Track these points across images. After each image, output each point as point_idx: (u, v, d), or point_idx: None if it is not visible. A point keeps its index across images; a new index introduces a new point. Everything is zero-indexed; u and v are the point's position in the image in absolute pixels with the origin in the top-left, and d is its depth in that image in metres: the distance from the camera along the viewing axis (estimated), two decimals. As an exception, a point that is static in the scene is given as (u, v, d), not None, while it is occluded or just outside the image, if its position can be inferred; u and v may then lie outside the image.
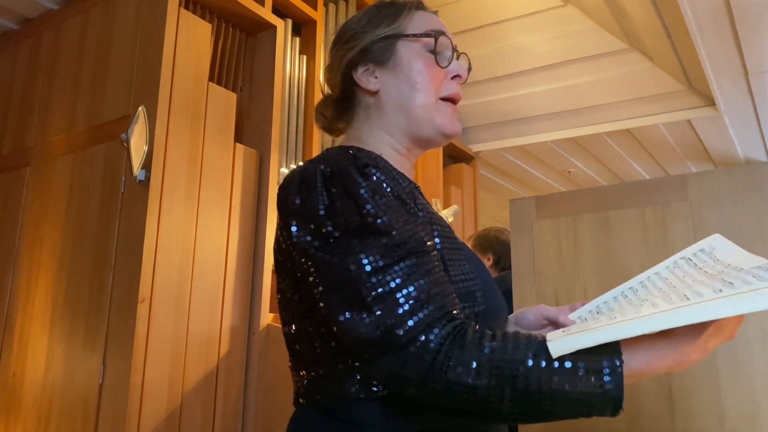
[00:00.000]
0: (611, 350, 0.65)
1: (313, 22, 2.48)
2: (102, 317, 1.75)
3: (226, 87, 2.11)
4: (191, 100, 1.90)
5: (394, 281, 0.69)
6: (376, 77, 0.91)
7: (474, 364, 0.66)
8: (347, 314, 0.70)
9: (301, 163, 0.82)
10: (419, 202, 0.83)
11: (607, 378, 0.64)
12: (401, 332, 0.67)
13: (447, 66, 0.91)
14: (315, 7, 2.48)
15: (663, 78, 2.90)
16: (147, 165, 1.74)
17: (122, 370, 1.63)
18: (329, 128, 1.01)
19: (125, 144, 1.79)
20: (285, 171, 2.23)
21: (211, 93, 1.97)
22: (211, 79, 2.03)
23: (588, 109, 3.23)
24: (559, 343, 0.65)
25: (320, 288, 0.73)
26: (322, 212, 0.73)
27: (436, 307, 0.69)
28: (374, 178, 0.77)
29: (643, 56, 2.80)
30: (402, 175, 0.87)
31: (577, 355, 0.65)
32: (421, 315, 0.68)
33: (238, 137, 2.12)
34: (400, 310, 0.68)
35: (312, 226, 0.73)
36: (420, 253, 0.73)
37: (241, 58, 2.25)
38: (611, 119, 3.23)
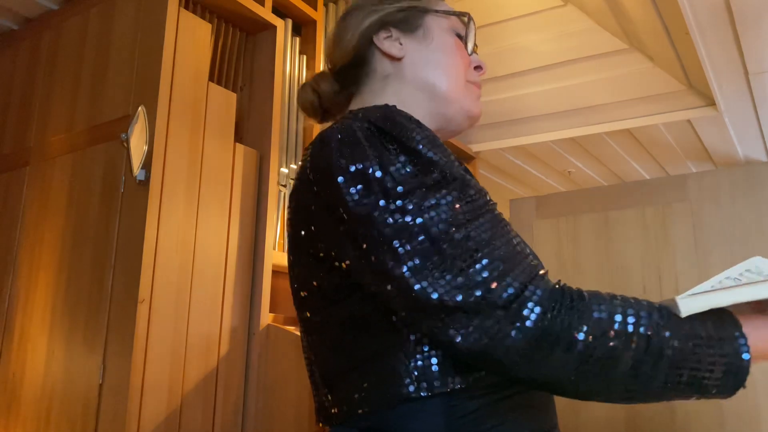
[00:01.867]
0: (732, 324, 0.62)
1: (313, 22, 2.48)
2: (102, 317, 1.75)
3: (226, 87, 2.11)
4: (191, 100, 1.90)
5: (479, 236, 0.61)
6: (401, 44, 0.83)
7: (589, 322, 0.59)
8: (430, 278, 0.60)
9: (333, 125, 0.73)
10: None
11: (731, 346, 0.61)
12: (500, 290, 0.59)
13: (470, 54, 0.86)
14: (315, 7, 2.48)
15: (663, 78, 2.89)
16: (147, 165, 1.74)
17: (122, 370, 1.63)
18: (320, 106, 0.89)
19: (125, 144, 1.79)
20: (285, 171, 2.23)
21: (211, 93, 1.97)
22: (211, 79, 2.03)
23: (588, 109, 3.23)
24: (692, 302, 0.62)
25: (387, 255, 0.62)
26: (379, 172, 0.63)
27: (529, 264, 0.62)
28: (426, 130, 0.68)
29: (643, 56, 2.80)
30: None
31: (698, 324, 0.61)
32: (518, 271, 0.60)
33: (238, 137, 2.12)
34: (493, 268, 0.60)
35: (370, 189, 0.63)
36: (493, 211, 0.65)
37: (241, 58, 2.25)
38: (611, 119, 3.23)
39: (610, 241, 4.16)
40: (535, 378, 0.60)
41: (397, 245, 0.61)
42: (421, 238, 0.60)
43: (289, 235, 0.76)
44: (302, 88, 0.91)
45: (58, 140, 2.12)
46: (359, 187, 0.64)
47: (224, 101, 2.02)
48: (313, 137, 2.64)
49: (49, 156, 2.13)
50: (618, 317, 0.59)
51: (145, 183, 1.74)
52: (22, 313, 2.02)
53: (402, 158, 0.64)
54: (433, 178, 0.63)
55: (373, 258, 0.63)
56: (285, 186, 2.22)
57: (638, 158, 3.74)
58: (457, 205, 0.62)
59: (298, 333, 1.89)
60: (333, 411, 0.71)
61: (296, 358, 1.85)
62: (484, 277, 0.59)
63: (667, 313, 0.61)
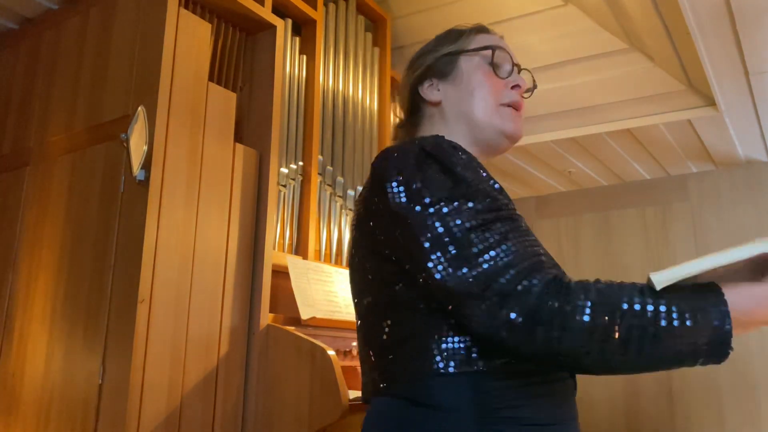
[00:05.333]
0: (714, 292, 0.67)
1: (313, 22, 2.48)
2: (102, 317, 1.75)
3: (226, 87, 2.11)
4: (191, 100, 1.90)
5: (493, 237, 0.73)
6: (439, 90, 0.99)
7: (581, 302, 0.68)
8: (450, 270, 0.73)
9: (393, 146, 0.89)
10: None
11: (714, 315, 0.65)
12: (504, 280, 0.70)
13: (506, 77, 0.99)
14: (315, 7, 2.48)
15: (663, 78, 2.89)
16: (147, 165, 1.74)
17: (122, 370, 1.63)
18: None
19: (125, 144, 1.79)
20: (285, 171, 2.23)
21: (210, 93, 1.97)
22: (210, 78, 2.03)
23: (588, 109, 3.22)
24: (662, 274, 0.66)
25: (418, 250, 0.76)
26: (419, 184, 0.79)
27: (536, 261, 0.73)
28: (464, 156, 0.83)
29: (643, 56, 2.80)
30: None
31: (683, 299, 0.67)
32: (523, 265, 0.71)
33: (238, 137, 2.12)
34: (501, 263, 0.71)
35: (411, 196, 0.79)
36: (512, 219, 0.77)
37: (241, 58, 2.25)
38: (611, 119, 3.23)
39: (610, 241, 4.16)
40: (542, 356, 0.70)
41: (425, 242, 0.76)
42: (446, 238, 0.74)
43: (353, 234, 0.91)
44: (393, 129, 1.11)
45: (58, 140, 2.12)
46: (402, 194, 0.80)
47: (224, 101, 2.02)
48: (313, 138, 2.63)
49: (49, 156, 2.13)
50: (610, 300, 0.68)
51: (145, 183, 1.74)
52: (22, 313, 2.02)
53: (440, 176, 0.79)
54: (462, 192, 0.77)
55: (410, 251, 0.78)
56: (285, 186, 2.22)
57: (638, 158, 3.73)
58: (479, 213, 0.75)
59: (298, 333, 1.90)
60: (381, 386, 0.83)
61: (296, 358, 1.85)
62: (493, 269, 0.71)
63: (648, 290, 0.69)
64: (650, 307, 0.66)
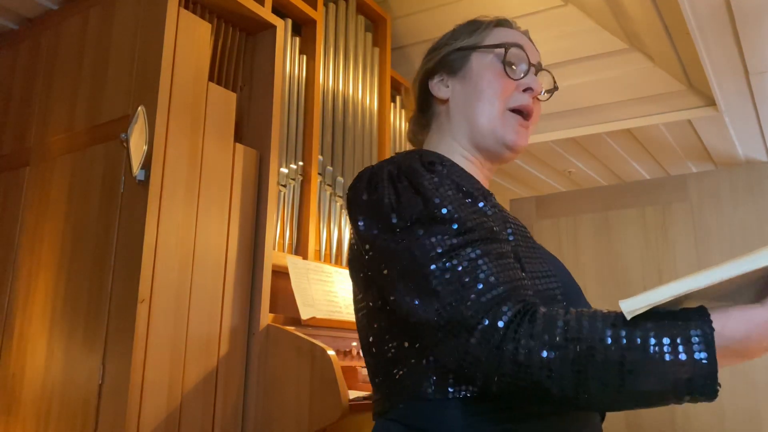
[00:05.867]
0: (699, 318, 0.58)
1: (313, 22, 2.48)
2: (102, 317, 1.75)
3: (226, 87, 2.11)
4: (191, 100, 1.90)
5: (461, 265, 0.68)
6: (448, 86, 0.93)
7: (546, 338, 0.61)
8: (416, 301, 0.69)
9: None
10: (492, 202, 0.82)
11: (697, 347, 0.56)
12: (469, 314, 0.65)
13: (519, 78, 0.90)
14: (315, 7, 2.48)
15: (663, 78, 2.89)
16: (147, 165, 1.74)
17: (122, 370, 1.63)
18: (414, 141, 1.03)
19: (125, 144, 1.79)
20: (285, 171, 2.23)
21: (210, 93, 1.97)
22: (210, 78, 2.03)
23: (588, 109, 3.22)
24: (633, 301, 0.59)
25: (387, 278, 0.73)
26: (387, 206, 0.74)
27: (507, 289, 0.67)
28: (439, 172, 0.78)
29: (643, 56, 2.80)
30: (471, 176, 0.85)
31: (661, 328, 0.58)
32: (489, 296, 0.65)
33: (238, 137, 2.12)
34: (469, 294, 0.66)
35: (378, 219, 0.75)
36: (488, 240, 0.71)
37: (241, 58, 2.25)
38: (611, 119, 3.23)
39: (610, 241, 4.16)
40: (509, 391, 0.64)
41: (389, 271, 0.73)
42: (410, 267, 0.70)
43: (350, 241, 0.88)
44: (408, 122, 1.06)
45: (58, 140, 2.12)
46: (368, 215, 0.76)
47: (224, 101, 2.02)
48: (313, 138, 2.63)
49: (49, 156, 2.13)
50: (579, 333, 0.61)
51: (145, 183, 1.74)
52: (22, 313, 2.02)
53: (411, 199, 0.74)
54: (432, 216, 0.72)
55: (377, 280, 0.76)
56: (285, 186, 2.22)
57: (638, 158, 3.73)
58: (447, 238, 0.70)
59: (298, 333, 1.90)
60: (380, 406, 0.81)
61: (296, 358, 1.85)
62: (457, 300, 0.66)
63: (622, 319, 0.61)
64: (623, 340, 0.58)
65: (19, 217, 2.16)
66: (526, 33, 0.98)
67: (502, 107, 0.89)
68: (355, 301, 0.86)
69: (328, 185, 2.43)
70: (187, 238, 1.82)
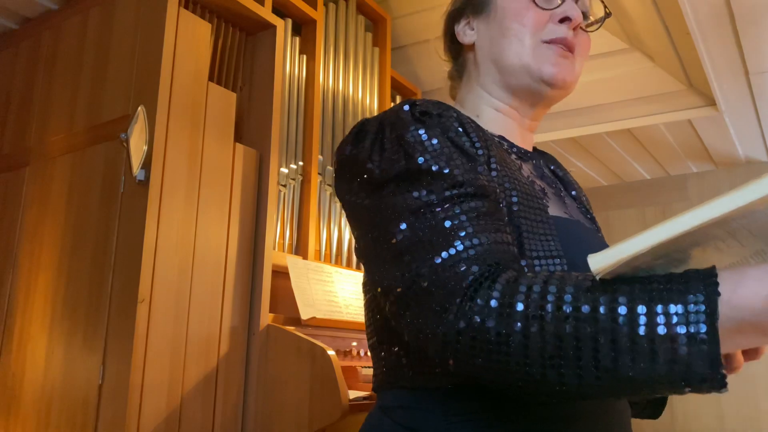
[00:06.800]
0: (702, 280, 0.44)
1: (313, 22, 2.48)
2: (102, 317, 1.75)
3: (225, 87, 2.11)
4: (191, 100, 1.90)
5: (433, 224, 0.59)
6: (473, 29, 0.83)
7: (504, 306, 0.50)
8: (383, 267, 0.61)
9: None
10: (500, 160, 0.69)
11: (694, 317, 0.42)
12: (433, 278, 0.55)
13: (553, 8, 0.77)
14: (315, 7, 2.48)
15: (663, 78, 2.89)
16: (147, 165, 1.74)
17: (122, 370, 1.63)
18: (455, 98, 0.92)
19: (125, 144, 1.79)
20: (285, 171, 2.22)
21: (210, 93, 1.97)
22: (210, 78, 2.03)
23: (588, 109, 3.22)
24: (602, 256, 0.46)
25: (362, 241, 0.66)
26: (368, 159, 0.66)
27: (479, 252, 0.57)
28: (432, 124, 0.67)
29: (643, 56, 2.80)
30: (480, 129, 0.72)
31: (649, 293, 0.45)
32: (457, 259, 0.56)
33: (238, 137, 2.12)
34: (436, 257, 0.57)
35: (357, 173, 0.67)
36: (473, 196, 0.61)
37: (241, 58, 2.25)
38: (611, 119, 3.23)
39: (610, 241, 4.14)
40: (468, 373, 0.55)
41: (362, 230, 0.66)
42: (379, 223, 0.63)
43: None
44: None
45: (58, 140, 2.12)
46: (349, 171, 0.68)
47: (224, 101, 2.02)
48: (313, 138, 2.63)
49: (49, 156, 2.13)
50: (548, 301, 0.50)
51: (145, 183, 1.74)
52: (22, 314, 2.02)
53: (395, 154, 0.65)
54: (412, 171, 0.63)
55: (356, 239, 0.69)
56: (285, 186, 2.22)
57: (638, 158, 3.73)
58: (425, 196, 0.61)
59: (298, 333, 1.90)
60: (374, 384, 0.75)
61: (296, 358, 1.85)
62: (420, 265, 0.57)
63: (601, 284, 0.49)
64: (602, 309, 0.46)
65: (19, 217, 2.16)
66: None
67: (533, 42, 0.77)
68: (364, 283, 0.78)
69: (328, 185, 2.42)
70: (187, 238, 1.82)
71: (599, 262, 0.46)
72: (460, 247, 0.57)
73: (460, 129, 0.69)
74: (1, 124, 2.40)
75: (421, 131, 0.66)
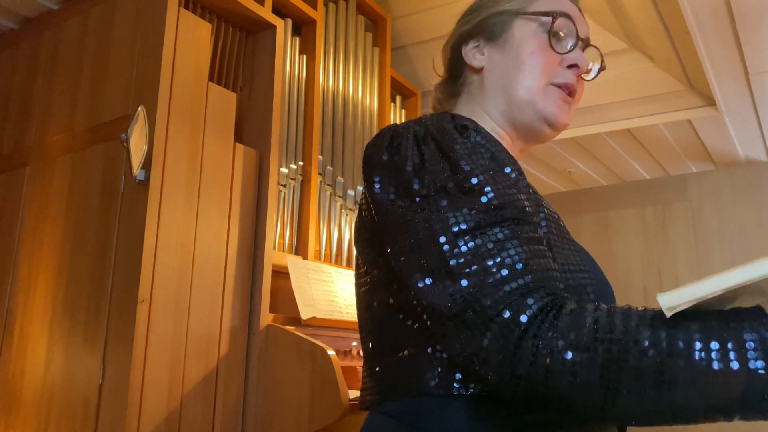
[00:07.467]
0: (755, 319, 0.48)
1: (313, 22, 2.48)
2: (102, 317, 1.75)
3: (226, 87, 2.11)
4: (191, 100, 1.90)
5: (486, 246, 0.59)
6: (484, 54, 0.84)
7: (572, 337, 0.52)
8: (427, 280, 0.60)
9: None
10: (526, 181, 0.72)
11: (752, 353, 0.46)
12: (488, 303, 0.56)
13: (564, 53, 0.81)
14: (315, 7, 2.48)
15: (663, 78, 2.89)
16: (147, 165, 1.74)
17: (122, 370, 1.63)
18: (441, 109, 0.93)
19: (125, 144, 1.79)
20: (285, 171, 2.23)
21: (210, 93, 1.97)
22: (210, 78, 2.03)
23: (588, 109, 3.23)
24: (674, 295, 0.49)
25: (399, 250, 0.64)
26: (410, 169, 0.66)
27: (535, 279, 0.58)
28: (473, 138, 0.69)
29: (643, 56, 2.80)
30: (506, 149, 0.75)
31: (708, 330, 0.49)
32: (514, 285, 0.57)
33: (238, 137, 2.12)
34: (490, 279, 0.57)
35: (397, 183, 0.66)
36: (520, 220, 0.62)
37: (241, 58, 2.25)
38: (611, 119, 3.23)
39: (610, 241, 4.16)
40: (525, 397, 0.56)
41: (405, 243, 0.64)
42: (429, 241, 0.61)
43: (356, 221, 0.80)
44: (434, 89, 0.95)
45: (58, 140, 2.12)
46: (386, 177, 0.67)
47: (224, 101, 2.02)
48: (313, 138, 2.62)
49: (49, 156, 2.13)
50: (610, 334, 0.53)
51: (145, 183, 1.74)
52: (22, 313, 2.02)
53: (437, 165, 0.66)
54: (459, 185, 0.63)
55: (391, 252, 0.66)
56: (285, 186, 2.22)
57: (638, 158, 3.73)
58: (474, 215, 0.61)
59: (298, 333, 1.90)
60: (370, 396, 0.74)
61: (296, 358, 1.85)
62: (477, 287, 0.57)
63: (660, 318, 0.52)
64: (663, 344, 0.49)
65: (19, 217, 2.16)
66: (576, 1, 0.86)
67: (544, 81, 0.80)
68: (357, 275, 0.78)
69: (328, 185, 2.42)
70: (187, 238, 1.82)
71: (671, 301, 0.50)
72: (520, 271, 0.58)
73: (501, 149, 0.72)
74: (1, 124, 2.40)
75: (468, 144, 0.68)
